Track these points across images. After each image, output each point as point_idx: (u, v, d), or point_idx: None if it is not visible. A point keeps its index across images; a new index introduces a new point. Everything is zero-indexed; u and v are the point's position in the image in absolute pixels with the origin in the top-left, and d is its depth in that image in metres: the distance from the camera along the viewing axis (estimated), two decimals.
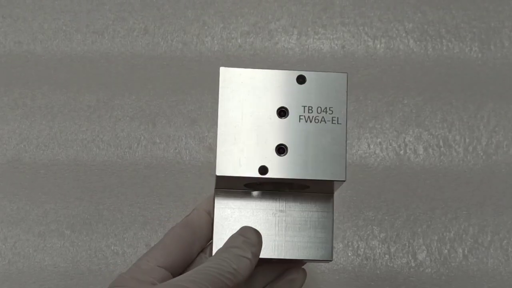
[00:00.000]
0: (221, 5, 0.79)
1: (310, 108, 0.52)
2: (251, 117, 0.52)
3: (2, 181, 0.75)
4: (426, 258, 0.73)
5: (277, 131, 0.52)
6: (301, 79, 0.52)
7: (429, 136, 0.76)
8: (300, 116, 0.52)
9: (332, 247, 0.54)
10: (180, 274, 0.54)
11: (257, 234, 0.53)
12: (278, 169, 0.51)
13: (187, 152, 0.75)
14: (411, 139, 0.76)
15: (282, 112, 0.52)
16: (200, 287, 0.48)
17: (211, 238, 0.55)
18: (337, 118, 0.52)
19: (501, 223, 0.73)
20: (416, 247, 0.73)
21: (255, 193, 0.55)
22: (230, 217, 0.55)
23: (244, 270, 0.50)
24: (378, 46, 0.78)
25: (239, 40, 0.79)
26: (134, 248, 0.72)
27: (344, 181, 0.51)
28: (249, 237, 0.53)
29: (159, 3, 0.79)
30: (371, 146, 0.76)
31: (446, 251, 0.73)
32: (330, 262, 0.72)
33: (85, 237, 0.73)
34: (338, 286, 0.72)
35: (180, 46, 0.78)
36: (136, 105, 0.76)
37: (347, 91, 0.52)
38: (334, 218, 0.73)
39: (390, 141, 0.76)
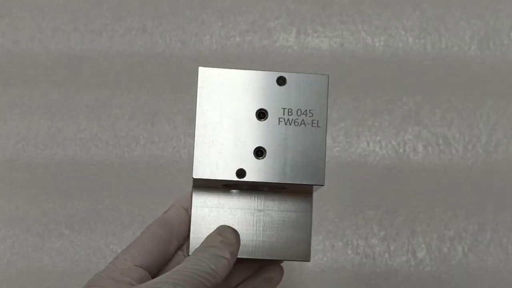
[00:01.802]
0: (220, 3, 0.79)
1: (290, 110, 0.51)
2: (229, 118, 0.51)
3: (1, 181, 0.74)
4: (425, 256, 0.72)
5: (256, 133, 0.51)
6: (281, 81, 0.51)
7: (428, 134, 0.76)
8: (279, 118, 0.51)
9: (309, 247, 0.53)
10: (157, 272, 0.54)
11: (235, 233, 0.53)
12: (255, 173, 0.50)
13: (186, 151, 0.75)
14: (410, 137, 0.76)
15: (262, 114, 0.51)
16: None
17: (189, 235, 0.55)
18: (317, 121, 0.51)
19: (501, 221, 0.73)
20: (416, 245, 0.73)
21: (233, 191, 0.54)
22: (208, 216, 0.54)
23: (222, 270, 0.50)
24: (377, 44, 0.78)
25: (237, 39, 0.78)
26: None
27: (323, 185, 0.50)
28: (227, 236, 0.52)
29: (157, 2, 0.79)
30: (371, 144, 0.75)
31: (445, 249, 0.73)
32: (330, 261, 0.72)
33: (84, 237, 0.73)
34: (337, 285, 0.72)
35: (179, 45, 0.78)
36: (134, 104, 0.76)
37: (327, 94, 0.51)
38: (333, 216, 0.73)
39: (390, 139, 0.76)
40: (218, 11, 0.79)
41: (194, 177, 0.51)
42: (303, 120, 0.51)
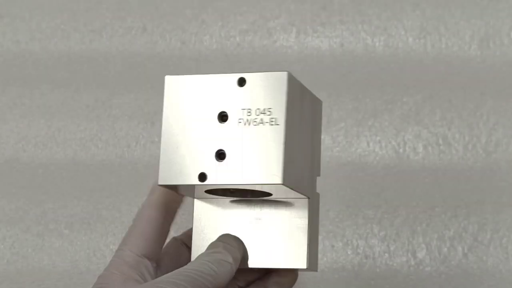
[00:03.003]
0: (220, 3, 0.79)
1: (249, 110, 0.50)
2: (193, 124, 0.51)
3: (0, 181, 0.74)
4: (425, 256, 0.72)
5: (217, 136, 0.51)
6: (241, 82, 0.51)
7: (428, 134, 0.76)
8: (239, 119, 0.50)
9: (306, 254, 0.53)
10: (157, 259, 0.54)
11: (238, 241, 0.53)
12: (216, 176, 0.50)
13: None
14: (410, 137, 0.76)
15: (223, 117, 0.51)
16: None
17: (174, 214, 0.55)
18: (275, 119, 0.49)
19: (500, 221, 0.73)
20: (416, 245, 0.73)
21: (232, 200, 0.55)
22: (208, 225, 0.55)
23: (225, 273, 0.50)
24: (377, 44, 0.78)
25: (237, 39, 0.78)
26: None
27: (281, 184, 0.49)
28: (229, 243, 0.53)
29: (157, 2, 0.79)
30: (370, 145, 0.75)
31: (445, 249, 0.73)
32: (330, 261, 0.72)
33: (83, 237, 0.73)
34: (337, 285, 0.72)
35: (179, 44, 0.78)
36: (134, 104, 0.76)
37: (287, 91, 0.50)
38: (334, 216, 0.73)
39: (389, 139, 0.76)
40: (218, 11, 0.79)
41: (159, 184, 0.52)
42: (261, 119, 0.50)
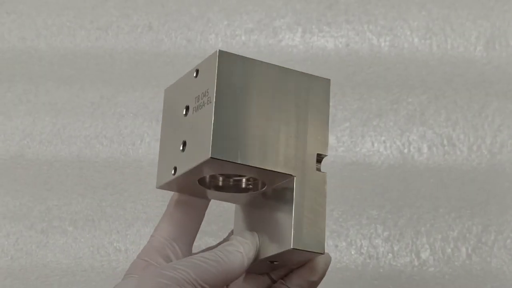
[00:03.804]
0: (226, 2, 0.79)
1: (197, 97, 0.52)
2: (170, 122, 0.55)
3: (5, 177, 0.75)
4: (429, 257, 0.72)
5: (181, 129, 0.53)
6: (196, 73, 0.53)
7: (433, 134, 0.76)
8: (193, 108, 0.53)
9: (292, 235, 0.53)
10: (190, 243, 0.55)
11: (253, 235, 0.54)
12: (181, 165, 0.52)
13: None
14: (415, 138, 0.76)
15: (186, 110, 0.53)
16: (181, 273, 0.49)
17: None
18: (209, 97, 0.51)
19: (505, 222, 0.73)
20: (420, 246, 0.73)
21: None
22: (235, 223, 0.58)
23: (234, 262, 0.51)
24: (383, 44, 0.78)
25: (243, 38, 0.78)
26: (137, 245, 0.72)
27: (211, 157, 0.50)
28: (243, 236, 0.54)
29: (163, 0, 0.79)
30: (375, 145, 0.75)
31: (449, 250, 0.73)
32: (334, 261, 0.72)
33: (87, 234, 0.73)
34: (341, 285, 0.72)
35: (184, 43, 0.78)
36: (139, 102, 0.76)
37: (216, 68, 0.51)
38: (337, 216, 0.73)
39: (394, 139, 0.76)
40: (224, 10, 0.79)
41: (156, 187, 0.55)
42: (203, 101, 0.52)
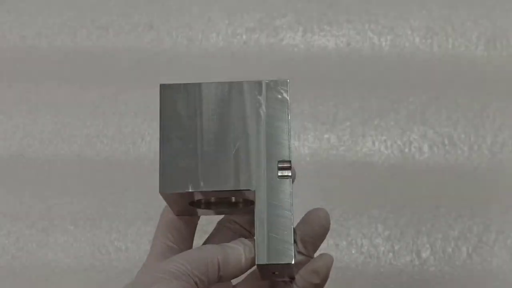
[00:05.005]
0: (227, 1, 0.79)
1: None
2: None
3: (6, 176, 0.75)
4: (430, 256, 0.72)
5: None
6: None
7: (434, 134, 0.76)
8: None
9: (254, 250, 0.53)
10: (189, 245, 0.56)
11: (252, 240, 0.54)
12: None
13: None
14: (416, 137, 0.76)
15: None
16: (177, 266, 0.49)
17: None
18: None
19: (505, 221, 0.73)
20: (420, 245, 0.73)
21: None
22: None
23: (232, 256, 0.51)
24: (384, 43, 0.78)
25: (244, 37, 0.78)
26: (137, 244, 0.72)
27: (160, 192, 0.53)
28: (243, 240, 0.54)
29: None
30: (376, 144, 0.75)
31: (450, 249, 0.73)
32: (334, 260, 0.72)
33: (88, 233, 0.73)
34: (341, 284, 0.72)
35: (185, 42, 0.78)
36: (140, 100, 0.76)
37: (160, 103, 0.56)
38: (338, 215, 0.73)
39: (395, 138, 0.76)
40: (225, 9, 0.79)
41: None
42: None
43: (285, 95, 0.53)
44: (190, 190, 0.52)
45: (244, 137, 0.53)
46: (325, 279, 0.55)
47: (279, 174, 0.52)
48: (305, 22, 0.79)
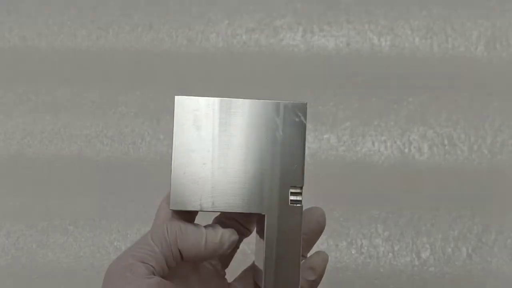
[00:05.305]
0: (226, 1, 0.79)
1: None
2: None
3: (6, 176, 0.75)
4: (430, 256, 0.72)
5: None
6: None
7: (434, 134, 0.76)
8: None
9: (263, 277, 0.53)
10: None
11: (232, 231, 0.53)
12: None
13: None
14: (416, 137, 0.76)
15: None
16: (145, 250, 0.51)
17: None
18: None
19: (505, 222, 0.73)
20: (420, 245, 0.73)
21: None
22: None
23: (193, 237, 0.51)
24: (384, 43, 0.78)
25: (244, 37, 0.78)
26: None
27: (170, 209, 0.53)
28: (216, 226, 0.53)
29: (164, 0, 0.79)
30: (376, 144, 0.75)
31: (450, 249, 0.73)
32: (334, 260, 0.72)
33: (88, 233, 0.73)
34: (341, 284, 0.72)
35: (185, 42, 0.78)
36: (140, 101, 0.76)
37: (174, 115, 0.53)
38: (338, 216, 0.73)
39: (395, 139, 0.76)
40: (224, 9, 0.79)
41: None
42: None
43: (302, 118, 0.53)
44: (201, 210, 0.52)
45: (258, 159, 0.53)
46: (320, 276, 0.55)
47: (291, 199, 0.52)
48: (305, 23, 0.79)
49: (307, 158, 0.75)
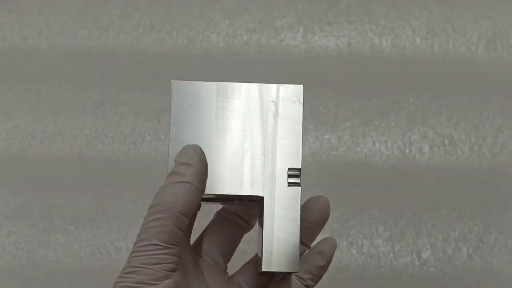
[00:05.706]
0: (227, 1, 0.79)
1: None
2: None
3: (7, 176, 0.75)
4: (430, 257, 0.72)
5: None
6: None
7: (434, 134, 0.76)
8: None
9: (261, 257, 0.53)
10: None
11: (195, 151, 0.52)
12: None
13: None
14: (416, 138, 0.76)
15: None
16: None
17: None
18: None
19: (506, 222, 0.73)
20: (421, 245, 0.73)
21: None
22: None
23: (182, 194, 0.50)
24: (384, 44, 0.78)
25: (244, 37, 0.78)
26: None
27: None
28: (184, 160, 0.52)
29: (164, 0, 0.79)
30: (376, 144, 0.75)
31: (450, 250, 0.73)
32: (335, 260, 0.72)
33: (88, 233, 0.73)
34: (342, 284, 0.72)
35: (186, 42, 0.78)
36: (141, 101, 0.76)
37: (172, 98, 0.53)
38: (339, 216, 0.73)
39: (395, 139, 0.76)
40: (225, 9, 0.79)
41: None
42: None
43: (299, 100, 0.54)
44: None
45: (255, 142, 0.53)
46: (328, 261, 0.54)
47: (289, 181, 0.52)
48: (306, 23, 0.79)
49: (307, 158, 0.75)
